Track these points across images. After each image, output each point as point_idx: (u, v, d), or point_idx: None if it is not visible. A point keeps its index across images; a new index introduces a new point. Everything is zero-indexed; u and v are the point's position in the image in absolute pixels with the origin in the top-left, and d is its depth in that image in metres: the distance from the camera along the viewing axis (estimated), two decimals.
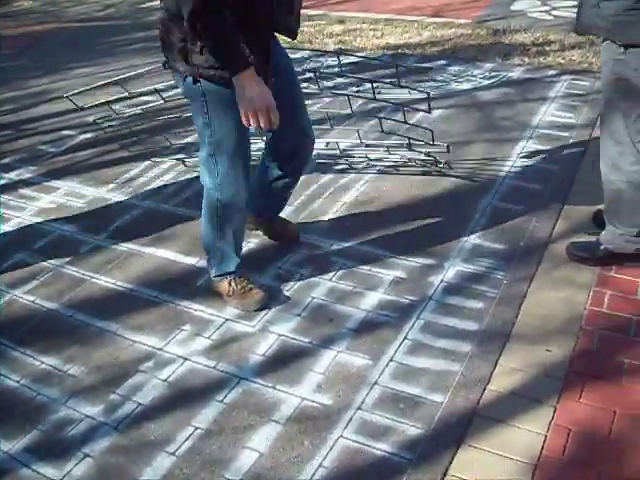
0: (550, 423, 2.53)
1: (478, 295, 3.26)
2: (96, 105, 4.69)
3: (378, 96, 4.41)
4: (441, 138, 4.29)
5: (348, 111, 4.58)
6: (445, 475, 2.39)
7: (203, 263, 3.47)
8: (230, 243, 3.21)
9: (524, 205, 3.95)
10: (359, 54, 6.47)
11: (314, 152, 3.63)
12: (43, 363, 3.05)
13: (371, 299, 3.29)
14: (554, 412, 2.57)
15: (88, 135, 5.31)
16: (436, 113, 5.06)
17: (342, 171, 4.46)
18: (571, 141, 4.69)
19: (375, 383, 2.81)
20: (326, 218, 3.97)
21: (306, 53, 6.58)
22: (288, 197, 3.62)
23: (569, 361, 2.81)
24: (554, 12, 7.92)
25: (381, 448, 2.52)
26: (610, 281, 3.26)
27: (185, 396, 2.81)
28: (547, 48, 6.58)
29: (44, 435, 2.69)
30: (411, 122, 4.42)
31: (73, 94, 4.50)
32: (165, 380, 2.90)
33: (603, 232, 3.35)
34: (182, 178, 4.60)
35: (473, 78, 5.98)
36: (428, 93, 4.06)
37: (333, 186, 4.31)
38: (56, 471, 2.52)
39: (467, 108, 5.39)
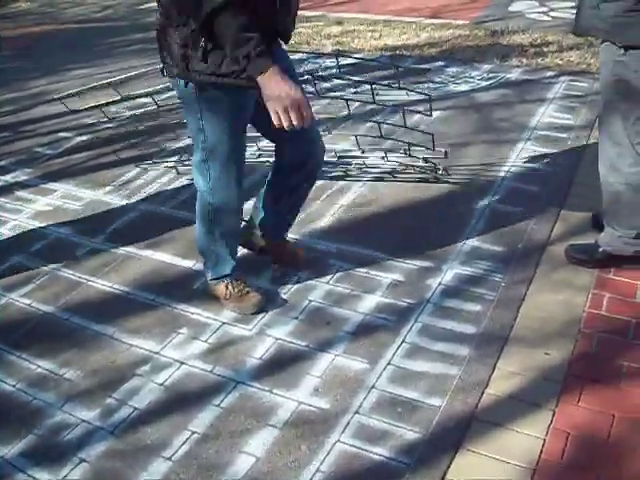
0: (549, 427, 2.51)
1: (476, 298, 3.25)
2: (86, 109, 4.68)
3: (376, 97, 4.39)
4: (439, 140, 4.26)
5: (345, 112, 4.56)
6: None
7: (200, 266, 3.46)
8: (224, 246, 3.19)
9: (522, 207, 3.94)
10: (357, 55, 6.46)
11: None
12: (39, 367, 3.03)
13: (369, 302, 3.28)
14: (553, 416, 2.56)
15: (85, 137, 5.29)
16: (434, 115, 5.03)
17: (338, 178, 4.44)
18: (569, 143, 4.69)
19: (373, 387, 2.79)
20: (323, 221, 3.95)
21: (304, 55, 6.58)
22: (294, 215, 3.49)
23: (568, 364, 2.79)
24: (552, 13, 7.94)
25: (379, 452, 2.50)
26: (609, 284, 3.25)
27: (182, 400, 2.80)
28: (545, 49, 6.58)
29: (40, 440, 2.66)
30: (409, 124, 4.41)
31: (63, 97, 4.49)
32: (162, 384, 2.88)
33: (602, 234, 3.34)
34: (179, 181, 4.58)
35: (471, 79, 5.98)
36: (429, 95, 4.05)
37: (330, 189, 4.30)
38: (52, 476, 2.49)
39: (465, 110, 5.39)
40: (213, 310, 3.29)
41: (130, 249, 3.83)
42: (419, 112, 4.32)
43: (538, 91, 5.61)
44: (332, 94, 5.37)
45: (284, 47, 2.97)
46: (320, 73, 6.04)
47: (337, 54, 4.23)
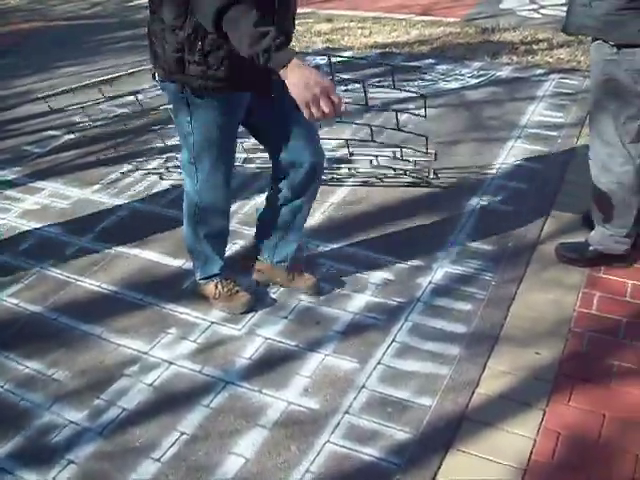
0: (539, 427, 2.51)
1: (467, 297, 3.24)
2: (67, 106, 4.65)
3: (367, 95, 4.36)
4: (429, 138, 4.25)
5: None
6: None
7: (189, 265, 3.44)
8: (211, 245, 3.17)
9: (512, 206, 3.94)
10: (347, 54, 6.45)
11: None
12: (27, 367, 3.01)
13: (358, 301, 3.27)
14: (543, 415, 2.56)
15: (73, 135, 5.25)
16: (424, 112, 5.03)
17: (326, 182, 4.37)
18: (560, 141, 4.69)
19: (363, 387, 2.78)
20: (313, 219, 3.93)
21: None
22: (298, 238, 3.33)
23: (558, 364, 2.79)
24: (542, 10, 7.94)
25: (369, 453, 2.49)
26: (599, 282, 3.25)
27: (170, 401, 2.78)
28: (535, 47, 6.58)
29: (28, 441, 2.64)
30: (400, 120, 4.37)
31: (47, 95, 4.46)
32: (150, 384, 2.87)
33: (592, 233, 3.34)
34: (168, 179, 4.56)
35: (461, 77, 5.97)
36: (425, 95, 4.02)
37: (320, 186, 4.26)
38: (40, 477, 2.48)
39: (455, 107, 5.38)
40: (202, 310, 3.27)
41: (118, 248, 3.80)
42: (413, 114, 4.29)
43: (528, 89, 5.61)
44: None
45: None
46: None
47: (329, 55, 4.18)
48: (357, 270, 3.48)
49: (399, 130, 4.16)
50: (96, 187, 4.53)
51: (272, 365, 2.93)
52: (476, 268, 3.44)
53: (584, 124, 4.66)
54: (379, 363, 2.90)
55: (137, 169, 4.67)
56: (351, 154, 4.55)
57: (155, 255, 3.73)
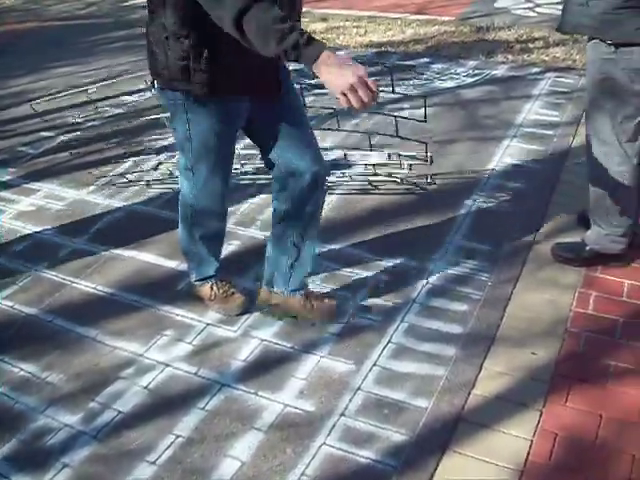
0: (536, 428, 2.50)
1: (462, 297, 3.24)
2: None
3: None
4: (424, 137, 4.24)
5: (331, 110, 4.51)
6: None
7: (184, 267, 3.42)
8: (206, 247, 3.15)
9: (508, 205, 3.94)
10: (342, 52, 6.43)
11: None
12: (22, 370, 3.00)
13: (354, 302, 3.26)
14: (540, 416, 2.55)
15: (67, 136, 5.23)
16: (419, 112, 5.00)
17: None
18: (555, 140, 4.68)
19: (358, 388, 2.77)
20: None
21: None
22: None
23: (555, 364, 2.79)
24: (538, 9, 7.93)
25: (365, 455, 2.48)
26: (596, 282, 3.24)
27: (166, 403, 2.77)
28: (531, 45, 6.58)
29: (22, 444, 2.63)
30: (399, 122, 4.35)
31: (37, 102, 4.45)
32: (146, 387, 2.86)
33: (588, 232, 3.33)
34: (164, 180, 4.54)
35: (456, 76, 5.96)
36: (426, 96, 3.99)
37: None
38: None
39: (451, 106, 5.37)
40: (198, 311, 3.26)
41: (114, 249, 3.79)
42: (414, 119, 4.25)
43: (524, 87, 5.60)
44: (318, 90, 5.32)
45: None
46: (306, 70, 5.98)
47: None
48: (352, 271, 3.47)
49: (398, 137, 4.14)
50: (91, 188, 4.52)
51: (268, 367, 2.92)
52: (472, 268, 3.43)
53: (580, 123, 4.66)
54: (375, 364, 2.89)
55: (129, 181, 4.65)
56: (346, 156, 4.52)
57: (150, 256, 3.71)
